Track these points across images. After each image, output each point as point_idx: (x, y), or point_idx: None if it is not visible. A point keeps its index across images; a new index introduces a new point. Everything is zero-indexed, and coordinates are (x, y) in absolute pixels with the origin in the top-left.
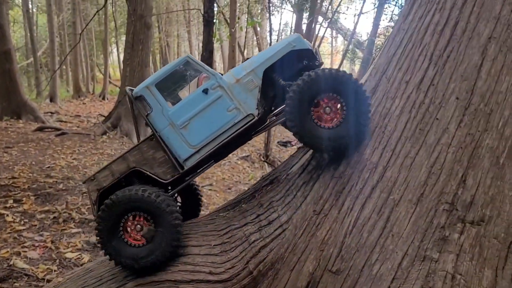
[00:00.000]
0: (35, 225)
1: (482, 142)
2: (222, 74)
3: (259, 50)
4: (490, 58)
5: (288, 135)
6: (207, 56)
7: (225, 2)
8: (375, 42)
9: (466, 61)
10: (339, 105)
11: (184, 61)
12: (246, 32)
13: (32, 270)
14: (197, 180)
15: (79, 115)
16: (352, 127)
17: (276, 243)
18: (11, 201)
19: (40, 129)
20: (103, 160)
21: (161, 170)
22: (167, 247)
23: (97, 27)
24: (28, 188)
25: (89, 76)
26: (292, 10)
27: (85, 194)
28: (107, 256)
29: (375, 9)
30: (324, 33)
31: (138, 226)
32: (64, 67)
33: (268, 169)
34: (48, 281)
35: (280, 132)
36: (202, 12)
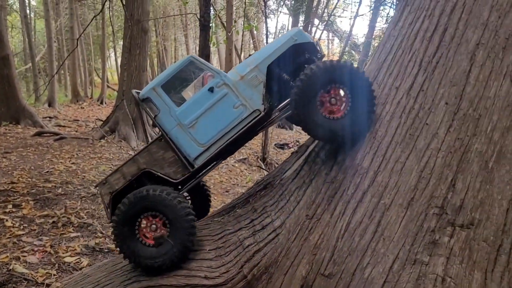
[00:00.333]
0: (34, 230)
1: (471, 147)
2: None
3: None
4: (478, 64)
5: (285, 137)
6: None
7: (222, 6)
8: (372, 44)
9: (455, 67)
10: (344, 96)
11: (188, 61)
12: (242, 35)
13: (32, 274)
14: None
15: (78, 120)
16: (358, 117)
17: (270, 247)
18: (10, 206)
19: (39, 134)
20: (101, 164)
21: (172, 169)
22: (182, 244)
23: (95, 32)
24: (27, 193)
25: (87, 81)
26: (288, 13)
27: (83, 198)
28: (126, 259)
29: (371, 12)
30: (321, 36)
31: (153, 226)
32: (62, 71)
33: (265, 172)
34: (48, 285)
35: (277, 135)
36: (199, 17)
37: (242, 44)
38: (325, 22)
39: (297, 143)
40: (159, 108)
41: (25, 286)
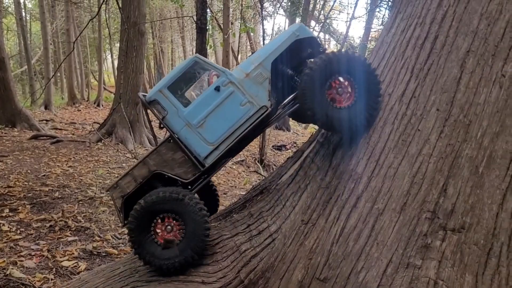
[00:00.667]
0: (31, 234)
1: (461, 152)
2: None
3: None
4: (468, 71)
5: (283, 139)
6: None
7: (219, 8)
8: (367, 46)
9: (446, 74)
10: (350, 85)
11: (193, 61)
12: (239, 37)
13: (29, 279)
14: None
15: (74, 123)
16: (364, 108)
17: (266, 252)
18: (7, 210)
19: (35, 137)
20: (98, 167)
21: (182, 170)
22: (198, 244)
23: (91, 34)
24: (24, 197)
25: (84, 83)
26: (285, 15)
27: (81, 202)
28: (142, 261)
29: (367, 14)
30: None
31: (169, 227)
32: (58, 74)
33: (263, 174)
34: None
35: (274, 137)
36: (195, 19)
37: (239, 46)
38: (322, 24)
39: (295, 144)
40: (167, 110)
41: None
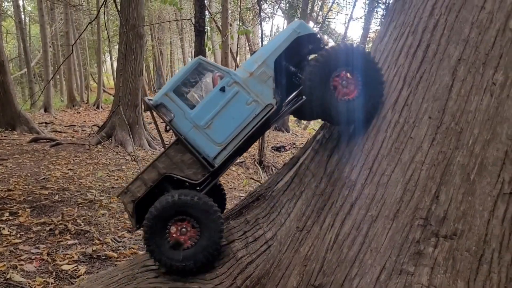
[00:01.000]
0: (31, 238)
1: (453, 159)
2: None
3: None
4: (460, 79)
5: (282, 140)
6: None
7: (217, 9)
8: (365, 47)
9: (438, 82)
10: (356, 78)
11: (197, 63)
12: (238, 38)
13: (29, 283)
14: None
15: (74, 125)
16: (367, 100)
17: (262, 259)
18: (7, 214)
19: (35, 140)
20: (98, 170)
21: (191, 171)
22: (213, 245)
23: (90, 37)
24: (24, 200)
25: (83, 85)
26: (283, 16)
27: (80, 205)
28: (157, 263)
29: (364, 15)
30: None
31: (183, 229)
32: (58, 76)
33: (262, 175)
34: None
35: (273, 138)
36: (193, 22)
37: (237, 47)
38: (320, 25)
39: (294, 146)
40: (174, 113)
41: None
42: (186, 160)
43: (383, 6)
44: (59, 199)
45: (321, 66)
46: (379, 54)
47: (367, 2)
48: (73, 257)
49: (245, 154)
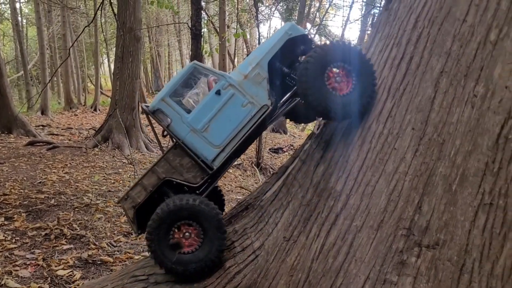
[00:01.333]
0: (27, 243)
1: (436, 170)
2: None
3: None
4: (442, 91)
5: (280, 142)
6: None
7: (215, 12)
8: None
9: (421, 94)
10: (349, 74)
11: (192, 68)
12: (235, 40)
13: None
14: None
15: (71, 128)
16: (360, 96)
17: (250, 269)
18: (3, 219)
19: (31, 143)
20: (95, 173)
21: (191, 174)
22: (217, 247)
23: (88, 39)
24: (20, 205)
25: (81, 88)
26: (280, 17)
27: (76, 209)
28: (164, 269)
29: (361, 18)
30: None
31: (187, 234)
32: (55, 79)
33: (260, 177)
34: None
35: (271, 139)
36: (190, 26)
37: (235, 49)
38: (317, 26)
39: (292, 147)
40: (171, 118)
41: None
42: (185, 163)
43: (380, 9)
44: (55, 203)
45: (315, 62)
46: None
47: (363, 4)
48: (68, 262)
49: (242, 156)
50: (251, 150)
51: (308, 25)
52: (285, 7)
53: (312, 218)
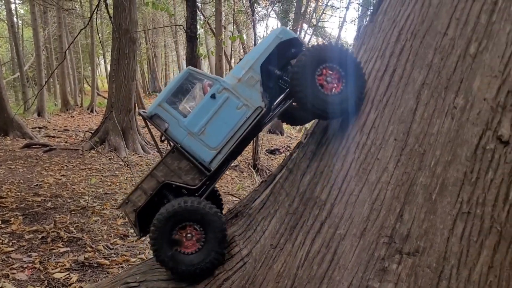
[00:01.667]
0: (24, 246)
1: (416, 180)
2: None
3: None
4: (423, 103)
5: (276, 143)
6: None
7: (211, 13)
8: None
9: (403, 105)
10: (339, 74)
11: (187, 73)
12: (232, 42)
13: None
14: None
15: (67, 130)
16: (350, 96)
17: (238, 275)
18: None
19: (28, 146)
20: (91, 176)
21: (189, 177)
22: (219, 247)
23: (84, 40)
24: (16, 208)
25: (77, 89)
26: (277, 18)
27: (73, 212)
28: (168, 270)
29: (357, 19)
30: (310, 40)
31: (189, 235)
32: (51, 80)
33: (257, 178)
34: None
35: (268, 141)
36: (185, 28)
37: (232, 50)
38: (314, 27)
39: (288, 148)
40: (168, 122)
41: None
42: (183, 166)
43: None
44: (52, 206)
45: (305, 63)
46: None
47: (359, 5)
48: (65, 265)
49: (239, 158)
50: (247, 152)
51: (305, 26)
52: (281, 7)
53: (298, 226)
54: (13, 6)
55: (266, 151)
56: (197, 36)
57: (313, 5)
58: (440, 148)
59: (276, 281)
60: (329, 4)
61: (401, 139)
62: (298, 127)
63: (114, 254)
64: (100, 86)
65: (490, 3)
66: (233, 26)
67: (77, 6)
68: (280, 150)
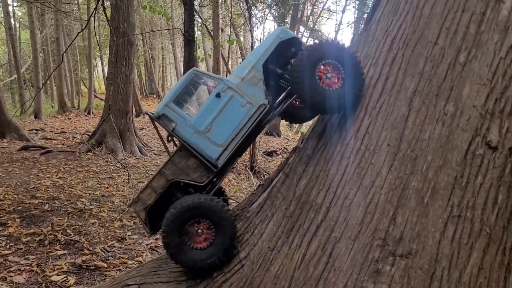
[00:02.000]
0: (21, 249)
1: (409, 184)
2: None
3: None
4: (415, 110)
5: (273, 145)
6: None
7: (208, 15)
8: None
9: (396, 112)
10: (338, 72)
11: (192, 74)
12: (229, 44)
13: None
14: None
15: (65, 132)
16: (348, 92)
17: (236, 277)
18: None
19: (25, 148)
20: (88, 178)
21: (197, 174)
22: (229, 242)
23: (81, 42)
24: (14, 210)
25: (74, 91)
26: (274, 21)
27: (70, 214)
28: (180, 265)
29: (354, 22)
30: (307, 42)
31: (199, 231)
32: (48, 82)
33: (254, 180)
34: None
35: (265, 143)
36: (183, 31)
37: (229, 52)
38: (310, 30)
39: (285, 150)
40: (175, 122)
41: None
42: (191, 164)
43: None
44: (49, 209)
45: (305, 59)
46: None
47: (355, 8)
48: (62, 267)
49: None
50: (245, 154)
51: (302, 29)
52: (279, 11)
53: (295, 229)
54: (10, 9)
55: (264, 152)
56: (195, 39)
57: (310, 8)
58: (431, 153)
59: (273, 283)
60: (325, 8)
61: (394, 144)
62: (294, 130)
63: (112, 256)
64: (97, 88)
65: (478, 13)
66: (230, 29)
67: (74, 8)
68: (277, 152)
